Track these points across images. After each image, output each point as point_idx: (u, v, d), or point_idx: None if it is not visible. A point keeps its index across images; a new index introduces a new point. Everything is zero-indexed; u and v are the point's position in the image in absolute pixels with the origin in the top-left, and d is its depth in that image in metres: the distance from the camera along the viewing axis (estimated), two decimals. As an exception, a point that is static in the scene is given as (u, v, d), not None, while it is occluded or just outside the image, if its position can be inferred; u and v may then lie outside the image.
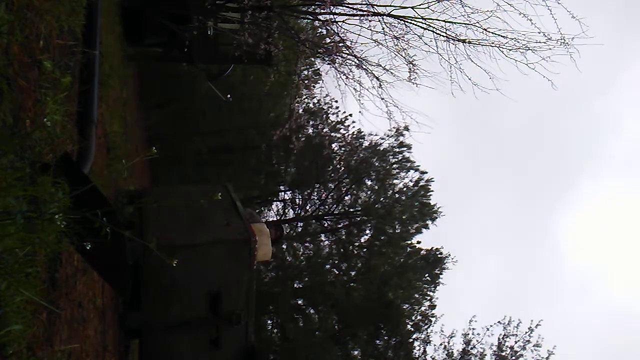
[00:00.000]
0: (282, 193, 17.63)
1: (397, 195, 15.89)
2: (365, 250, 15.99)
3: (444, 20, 6.78)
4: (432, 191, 15.88)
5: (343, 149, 16.32)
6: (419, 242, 16.03)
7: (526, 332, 14.55)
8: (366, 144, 16.18)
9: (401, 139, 15.66)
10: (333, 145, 16.44)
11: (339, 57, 7.47)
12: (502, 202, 43.90)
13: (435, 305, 15.58)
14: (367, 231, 16.02)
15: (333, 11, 7.07)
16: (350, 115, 15.76)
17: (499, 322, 14.93)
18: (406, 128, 13.45)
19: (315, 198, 16.70)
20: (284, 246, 16.17)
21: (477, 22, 6.67)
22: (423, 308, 15.51)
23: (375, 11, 6.84)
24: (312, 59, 9.97)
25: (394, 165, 16.05)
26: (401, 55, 6.92)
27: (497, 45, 6.73)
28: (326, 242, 16.73)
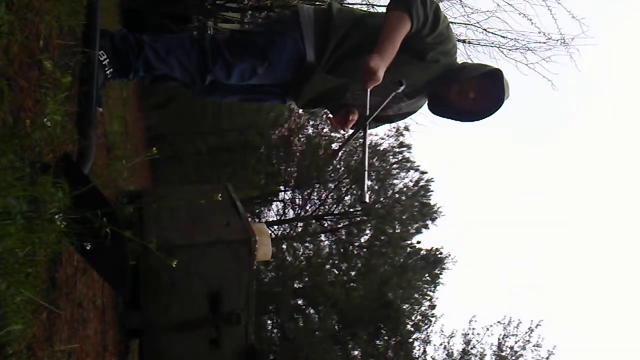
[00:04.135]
0: (282, 193, 17.63)
1: (397, 195, 15.89)
2: (365, 250, 15.98)
3: (443, 21, 6.79)
4: (432, 191, 15.88)
5: (343, 149, 16.30)
6: (419, 242, 16.04)
7: (526, 332, 14.61)
8: (366, 144, 16.15)
9: (401, 139, 15.67)
10: (333, 145, 16.42)
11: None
12: (501, 201, 43.93)
13: (435, 305, 15.61)
14: (367, 231, 16.02)
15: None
16: (350, 115, 15.71)
17: (499, 322, 15.00)
18: (406, 128, 13.48)
19: (315, 198, 16.70)
20: (284, 246, 16.17)
21: (477, 22, 6.70)
22: (423, 308, 15.52)
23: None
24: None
25: (394, 165, 16.05)
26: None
27: (497, 45, 6.76)
28: (326, 242, 16.72)
